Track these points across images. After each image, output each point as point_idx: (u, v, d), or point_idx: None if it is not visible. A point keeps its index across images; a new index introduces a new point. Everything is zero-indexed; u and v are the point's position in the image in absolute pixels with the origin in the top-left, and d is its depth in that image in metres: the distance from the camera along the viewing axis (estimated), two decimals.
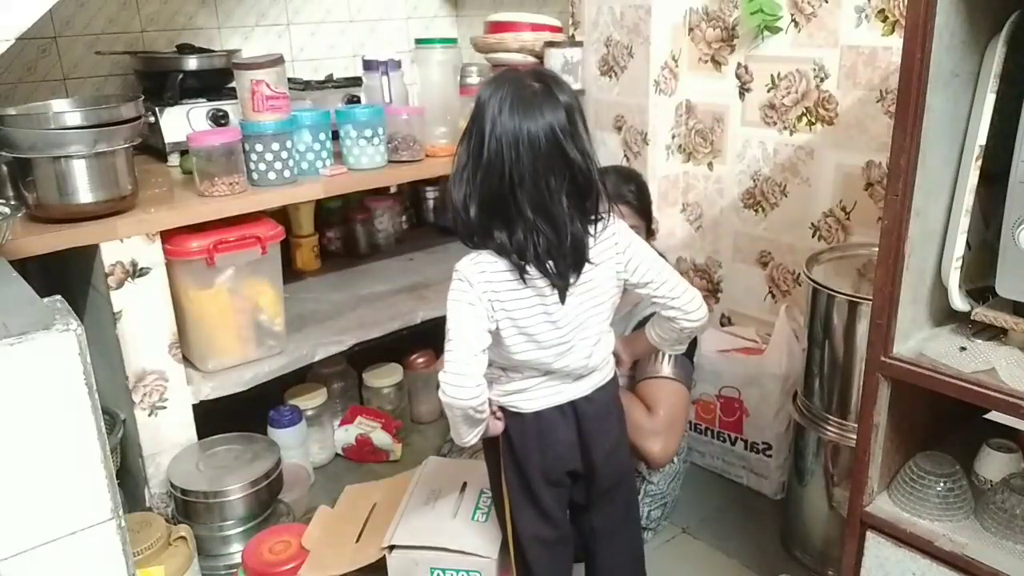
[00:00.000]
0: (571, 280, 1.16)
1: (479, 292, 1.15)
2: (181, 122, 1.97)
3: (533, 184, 1.11)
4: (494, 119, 1.11)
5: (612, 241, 1.20)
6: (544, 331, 1.18)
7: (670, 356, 1.59)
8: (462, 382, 1.14)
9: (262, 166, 1.79)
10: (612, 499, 1.34)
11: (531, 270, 1.14)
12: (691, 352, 1.69)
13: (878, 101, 1.70)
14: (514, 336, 1.18)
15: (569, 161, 1.12)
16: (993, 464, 1.28)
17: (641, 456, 1.57)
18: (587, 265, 1.17)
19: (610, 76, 2.23)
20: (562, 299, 1.17)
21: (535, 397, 1.24)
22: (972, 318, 1.19)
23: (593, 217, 1.17)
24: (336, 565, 1.40)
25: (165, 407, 1.70)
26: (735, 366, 1.91)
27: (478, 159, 1.13)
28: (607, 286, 1.21)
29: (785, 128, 1.87)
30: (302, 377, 2.11)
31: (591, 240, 1.17)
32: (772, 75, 1.87)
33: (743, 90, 1.96)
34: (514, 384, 1.25)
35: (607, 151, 2.30)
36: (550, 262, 1.14)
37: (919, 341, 1.20)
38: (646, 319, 1.58)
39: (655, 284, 1.22)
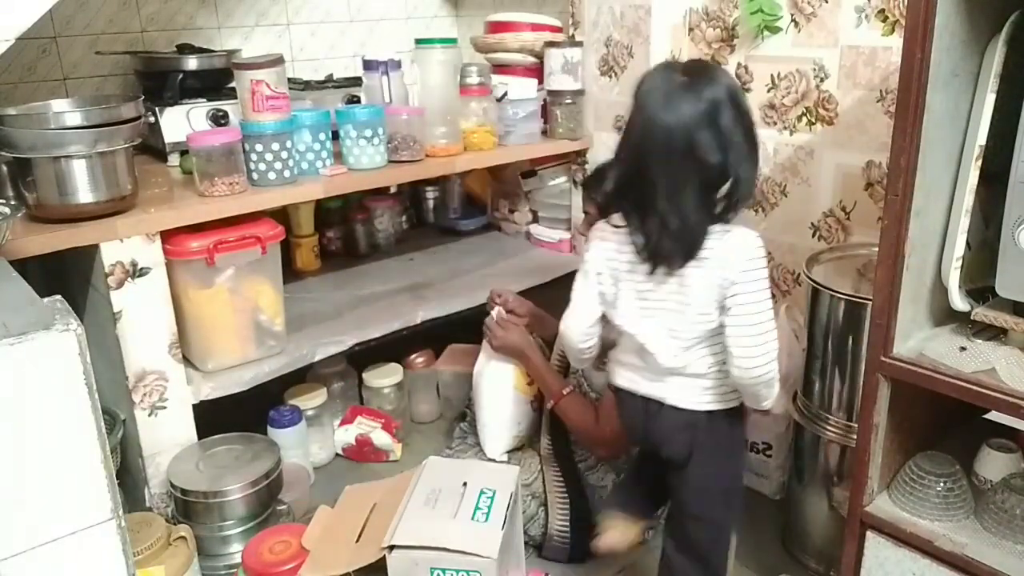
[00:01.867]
0: (673, 268, 1.19)
1: (601, 259, 1.27)
2: (181, 122, 1.97)
3: (663, 173, 1.14)
4: (641, 106, 1.17)
5: (727, 254, 1.17)
6: (635, 309, 1.25)
7: None
8: (572, 329, 1.33)
9: (262, 166, 1.79)
10: (683, 514, 1.37)
11: (643, 251, 1.20)
12: None
13: (878, 101, 1.70)
14: (614, 305, 1.28)
15: (699, 157, 1.12)
16: (993, 464, 1.28)
17: (591, 451, 1.75)
18: (692, 261, 1.17)
19: (610, 76, 2.23)
20: (657, 282, 1.22)
21: (620, 373, 1.35)
22: (972, 318, 1.19)
23: (718, 214, 1.17)
24: (336, 565, 1.40)
25: (165, 407, 1.70)
26: None
27: (626, 141, 1.22)
28: (703, 295, 1.19)
29: (785, 128, 1.87)
30: (302, 377, 2.11)
31: (708, 240, 1.17)
32: (772, 75, 1.87)
33: (743, 90, 1.96)
34: (615, 352, 1.36)
35: (607, 151, 2.30)
36: (663, 243, 1.17)
37: (919, 341, 1.20)
38: None
39: (736, 329, 1.18)
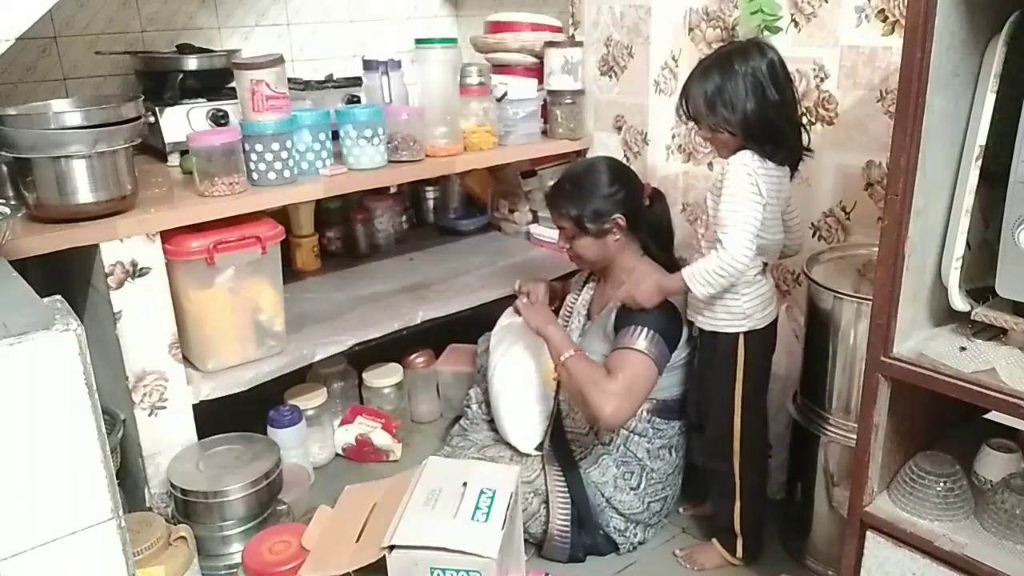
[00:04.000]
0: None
1: (760, 180, 1.46)
2: (181, 122, 1.97)
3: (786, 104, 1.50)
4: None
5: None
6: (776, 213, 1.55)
7: (648, 333, 1.62)
8: (748, 252, 1.45)
9: (262, 166, 1.79)
10: None
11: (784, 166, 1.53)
12: (675, 341, 1.69)
13: (878, 101, 1.70)
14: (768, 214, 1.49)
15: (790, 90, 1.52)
16: (993, 464, 1.28)
17: (592, 415, 1.62)
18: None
19: (610, 76, 2.23)
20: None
21: (772, 300, 1.59)
22: (972, 318, 1.19)
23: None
24: (336, 565, 1.40)
25: (165, 407, 1.70)
26: None
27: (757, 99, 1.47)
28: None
29: None
30: (302, 377, 2.11)
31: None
32: None
33: None
34: (766, 286, 1.57)
35: (607, 151, 2.30)
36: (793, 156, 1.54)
37: (919, 341, 1.20)
38: (621, 315, 1.68)
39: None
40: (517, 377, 1.88)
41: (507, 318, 1.99)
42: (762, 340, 1.61)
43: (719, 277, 1.46)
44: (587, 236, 1.72)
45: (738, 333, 1.58)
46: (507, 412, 1.88)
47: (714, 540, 1.74)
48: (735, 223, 1.44)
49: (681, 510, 1.91)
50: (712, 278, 1.47)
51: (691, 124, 1.58)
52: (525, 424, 1.86)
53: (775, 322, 1.64)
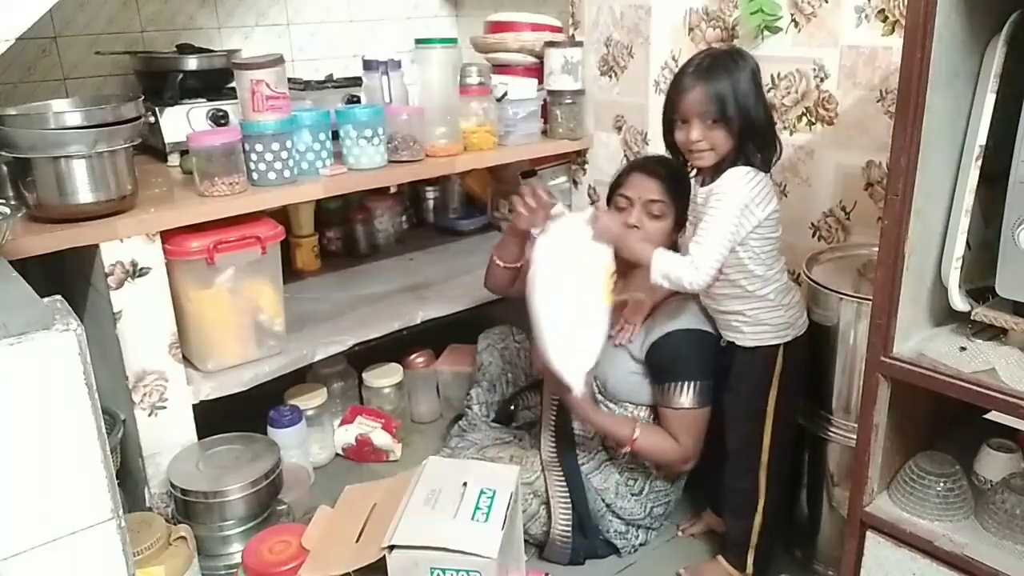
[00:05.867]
0: None
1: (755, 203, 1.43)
2: (181, 122, 1.97)
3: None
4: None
5: None
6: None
7: (694, 388, 1.63)
8: (712, 275, 1.43)
9: (262, 166, 1.79)
10: None
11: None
12: (713, 370, 1.66)
13: (878, 101, 1.70)
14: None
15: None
16: (993, 464, 1.28)
17: (673, 473, 1.75)
18: None
19: (610, 76, 2.23)
20: None
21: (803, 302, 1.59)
22: (972, 318, 1.19)
23: None
24: (336, 565, 1.40)
25: (165, 407, 1.70)
26: None
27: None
28: None
29: (785, 128, 1.87)
30: (302, 377, 2.11)
31: None
32: (772, 75, 1.87)
33: None
34: (795, 287, 1.56)
35: (607, 151, 2.30)
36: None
37: (919, 341, 1.20)
38: (659, 358, 1.67)
39: None
40: (570, 313, 1.53)
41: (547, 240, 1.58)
42: (801, 348, 1.56)
43: (675, 282, 1.43)
44: (670, 220, 1.66)
45: (779, 344, 1.53)
46: (559, 345, 1.54)
47: (720, 557, 1.69)
48: (714, 242, 1.41)
49: (680, 531, 1.85)
50: (671, 279, 1.43)
51: (680, 122, 1.46)
52: (576, 352, 1.54)
53: (809, 328, 1.58)
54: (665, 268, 1.44)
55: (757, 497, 1.61)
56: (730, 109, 1.41)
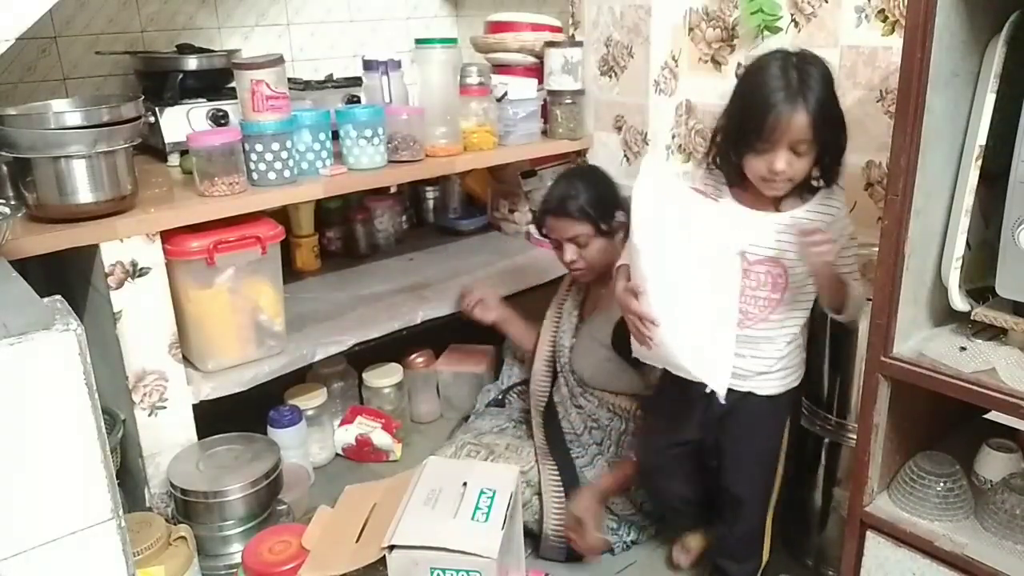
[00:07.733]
0: None
1: None
2: (181, 122, 1.97)
3: None
4: None
5: None
6: None
7: None
8: None
9: (262, 166, 1.79)
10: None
11: None
12: None
13: (878, 101, 1.70)
14: None
15: None
16: (993, 464, 1.29)
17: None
18: None
19: (610, 76, 2.23)
20: None
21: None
22: (972, 318, 1.19)
23: None
24: (336, 565, 1.40)
25: (165, 407, 1.70)
26: None
27: None
28: None
29: None
30: (302, 377, 2.11)
31: None
32: None
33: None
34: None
35: (607, 151, 2.30)
36: None
37: (919, 341, 1.21)
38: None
39: None
40: (704, 300, 1.32)
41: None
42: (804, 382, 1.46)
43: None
44: (602, 237, 1.71)
45: (796, 388, 1.45)
46: (689, 344, 1.31)
47: None
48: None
49: (676, 563, 1.72)
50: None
51: (764, 151, 1.24)
52: (713, 355, 1.33)
53: (809, 328, 1.46)
54: (862, 305, 1.31)
55: (761, 537, 1.58)
56: (824, 136, 1.23)
